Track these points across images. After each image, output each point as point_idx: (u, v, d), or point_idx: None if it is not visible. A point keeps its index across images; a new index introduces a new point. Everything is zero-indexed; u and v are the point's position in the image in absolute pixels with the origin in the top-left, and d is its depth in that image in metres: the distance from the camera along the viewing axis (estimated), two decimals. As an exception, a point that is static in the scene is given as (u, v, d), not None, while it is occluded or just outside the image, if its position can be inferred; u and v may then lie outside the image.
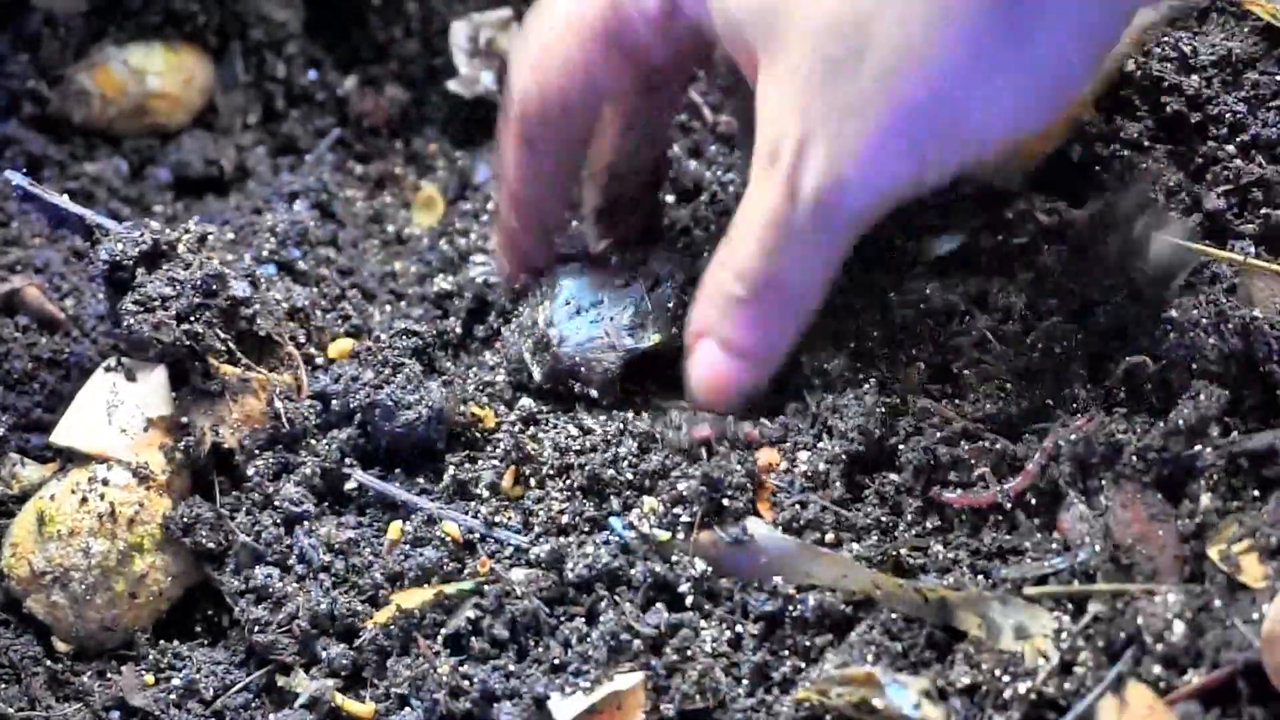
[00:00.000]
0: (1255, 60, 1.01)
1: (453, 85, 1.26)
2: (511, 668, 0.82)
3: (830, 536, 0.85)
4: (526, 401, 0.96)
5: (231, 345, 0.94)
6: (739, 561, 0.84)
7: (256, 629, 0.87)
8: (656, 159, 1.03)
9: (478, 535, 0.89)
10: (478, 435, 0.94)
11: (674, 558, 0.84)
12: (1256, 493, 0.80)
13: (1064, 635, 0.77)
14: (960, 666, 0.78)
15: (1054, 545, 0.81)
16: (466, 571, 0.87)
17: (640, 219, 1.04)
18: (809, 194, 0.80)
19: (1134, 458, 0.81)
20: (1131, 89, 1.00)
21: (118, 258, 0.94)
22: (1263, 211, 0.94)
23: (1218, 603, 0.75)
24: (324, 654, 0.86)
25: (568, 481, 0.90)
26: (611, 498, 0.88)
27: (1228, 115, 0.98)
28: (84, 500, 0.90)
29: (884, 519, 0.86)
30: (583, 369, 0.95)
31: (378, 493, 0.92)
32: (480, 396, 0.96)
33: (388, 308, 1.10)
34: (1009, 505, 0.83)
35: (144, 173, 1.23)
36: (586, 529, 0.87)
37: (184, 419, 0.92)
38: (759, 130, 0.82)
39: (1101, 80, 0.99)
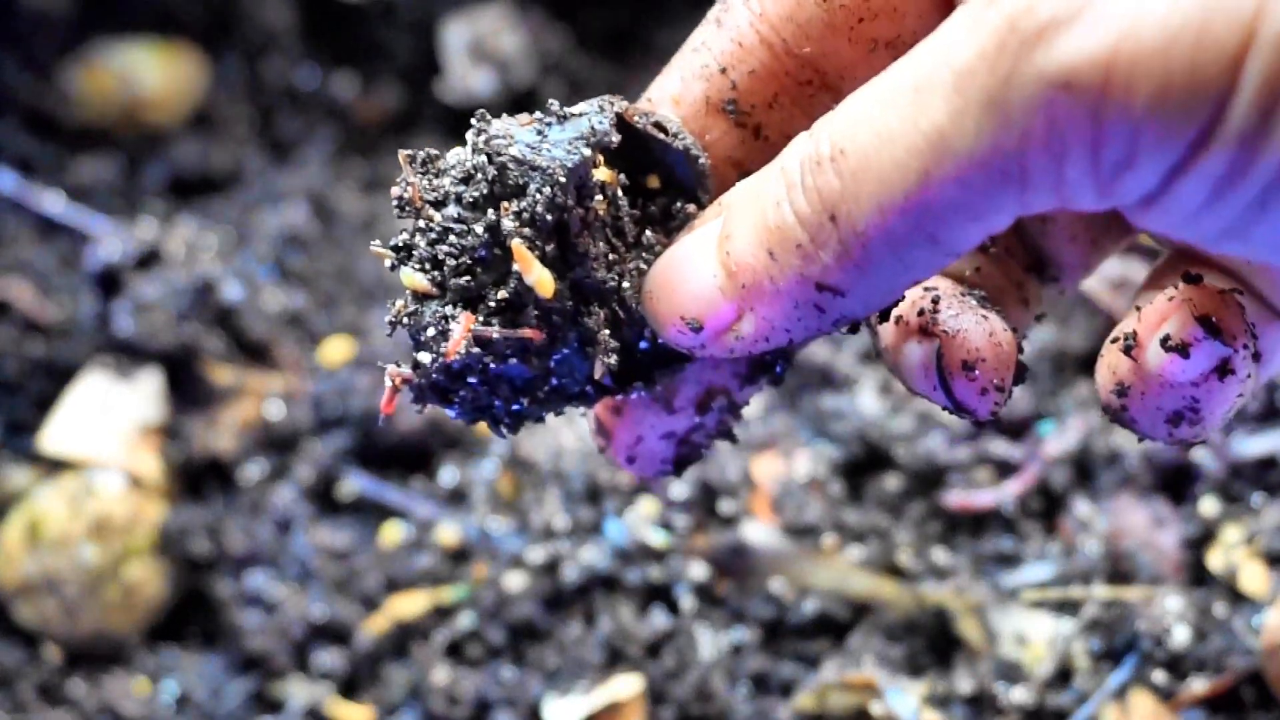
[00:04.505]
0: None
1: (448, 86, 1.26)
2: (507, 673, 0.81)
3: (829, 540, 0.84)
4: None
5: (225, 348, 0.93)
6: (737, 566, 0.84)
7: (250, 635, 0.87)
8: None
9: (474, 540, 0.88)
10: (474, 440, 0.94)
11: (671, 562, 0.84)
12: (1258, 498, 0.79)
13: (1064, 641, 0.76)
14: (960, 672, 0.77)
15: (1055, 550, 0.81)
16: (462, 577, 0.87)
17: None
18: None
19: (1135, 462, 0.80)
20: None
21: (110, 260, 0.93)
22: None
23: (1219, 608, 0.75)
24: (318, 660, 0.85)
25: (564, 486, 0.89)
26: (607, 502, 0.88)
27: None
28: (75, 506, 0.89)
29: (883, 523, 0.85)
30: None
31: (373, 497, 0.92)
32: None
33: (384, 311, 1.09)
34: (1010, 509, 0.83)
35: (137, 174, 1.22)
36: (583, 533, 0.87)
37: (177, 423, 0.92)
38: None
39: None
